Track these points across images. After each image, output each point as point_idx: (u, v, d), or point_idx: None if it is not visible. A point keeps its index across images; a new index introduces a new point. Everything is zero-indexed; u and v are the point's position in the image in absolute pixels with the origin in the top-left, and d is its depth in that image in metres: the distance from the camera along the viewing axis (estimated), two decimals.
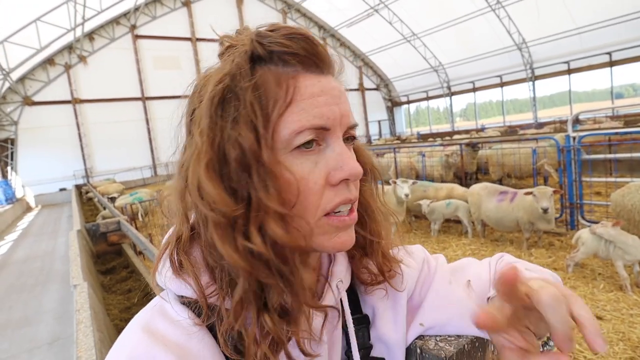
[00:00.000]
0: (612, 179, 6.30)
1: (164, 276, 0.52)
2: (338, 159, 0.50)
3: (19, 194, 18.75)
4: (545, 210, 4.57)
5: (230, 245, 0.46)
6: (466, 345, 0.66)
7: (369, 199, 0.64)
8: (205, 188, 0.46)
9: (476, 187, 5.79)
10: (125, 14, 21.42)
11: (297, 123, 0.48)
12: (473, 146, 9.16)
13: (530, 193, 4.76)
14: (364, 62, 31.10)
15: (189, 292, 0.50)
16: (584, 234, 4.14)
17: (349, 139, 0.55)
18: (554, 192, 4.72)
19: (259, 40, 0.50)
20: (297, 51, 0.50)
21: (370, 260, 0.64)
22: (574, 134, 5.85)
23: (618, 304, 3.62)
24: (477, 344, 0.68)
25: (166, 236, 0.56)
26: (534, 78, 23.65)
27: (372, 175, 0.65)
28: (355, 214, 0.54)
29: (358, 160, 0.58)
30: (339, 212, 0.52)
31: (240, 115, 0.47)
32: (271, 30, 0.51)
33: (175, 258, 0.52)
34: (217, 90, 0.48)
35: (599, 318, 3.42)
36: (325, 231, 0.51)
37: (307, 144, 0.49)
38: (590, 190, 6.54)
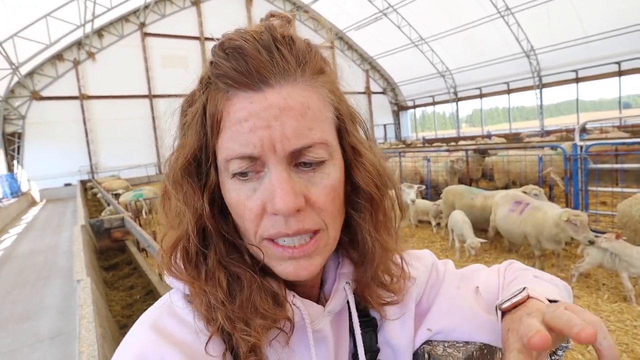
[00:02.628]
0: (619, 189, 6.25)
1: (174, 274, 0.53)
2: (271, 189, 0.45)
3: (24, 188, 18.89)
4: (592, 242, 3.92)
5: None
6: (474, 352, 0.65)
7: (365, 234, 0.56)
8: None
9: (499, 195, 5.46)
10: (134, 12, 21.59)
11: (225, 151, 0.47)
12: (482, 152, 9.11)
13: (568, 221, 4.07)
14: (371, 66, 31.12)
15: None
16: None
17: (311, 164, 0.48)
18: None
19: (211, 57, 0.50)
20: (228, 72, 0.46)
21: (369, 284, 0.61)
22: (581, 143, 5.83)
23: (622, 315, 3.58)
24: (485, 351, 0.67)
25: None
26: (542, 86, 23.56)
27: (372, 202, 0.56)
28: (310, 247, 0.48)
29: (354, 182, 0.54)
30: (284, 241, 0.48)
31: (188, 135, 0.50)
32: (222, 43, 0.49)
33: (176, 255, 0.52)
34: (182, 107, 0.54)
35: None
36: (270, 256, 0.49)
37: (242, 173, 0.47)
38: (596, 200, 6.49)
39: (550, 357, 0.56)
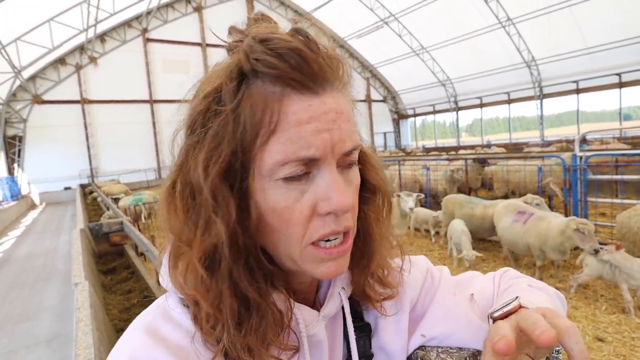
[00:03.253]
0: (618, 200, 6.25)
1: (167, 278, 0.53)
2: (327, 190, 0.46)
3: (24, 191, 18.87)
4: (597, 252, 3.91)
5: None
6: (467, 358, 0.66)
7: (371, 224, 0.59)
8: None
9: (500, 205, 5.43)
10: (137, 17, 21.74)
11: (281, 154, 0.44)
12: (482, 162, 9.12)
13: (576, 229, 4.04)
14: (371, 74, 31.28)
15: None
16: (589, 255, 4.10)
17: (350, 165, 0.51)
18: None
19: (249, 53, 0.46)
20: (287, 71, 0.44)
21: (367, 280, 0.63)
22: (581, 154, 5.84)
23: (620, 326, 3.57)
24: (478, 358, 0.68)
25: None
26: (542, 96, 23.63)
27: (380, 196, 0.60)
28: (347, 245, 0.51)
29: (366, 179, 0.58)
30: (328, 241, 0.49)
31: (221, 137, 0.45)
32: (264, 41, 0.46)
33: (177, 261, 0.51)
34: (202, 106, 0.47)
35: (600, 340, 3.38)
36: (312, 260, 0.49)
37: (294, 177, 0.46)
38: (595, 211, 6.49)
39: None
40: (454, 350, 0.67)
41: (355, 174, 0.52)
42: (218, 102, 0.47)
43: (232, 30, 0.53)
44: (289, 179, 0.46)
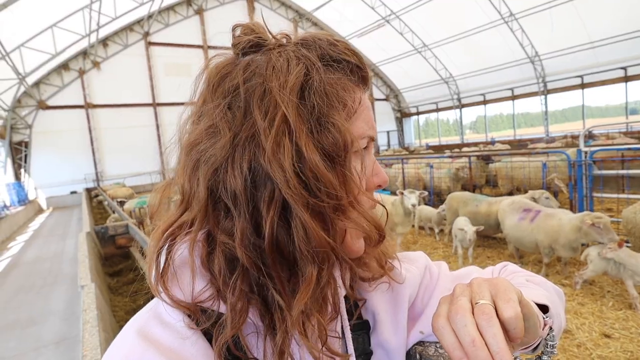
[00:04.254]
0: (624, 196, 6.20)
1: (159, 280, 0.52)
2: (374, 166, 0.57)
3: (31, 196, 19.03)
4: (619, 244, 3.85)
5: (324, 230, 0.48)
6: None
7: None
8: (319, 172, 0.47)
9: (504, 202, 5.39)
10: (139, 21, 21.83)
11: (360, 129, 0.54)
12: (486, 159, 9.07)
13: (592, 225, 4.00)
14: (374, 73, 31.20)
15: (183, 296, 0.50)
16: (592, 251, 4.06)
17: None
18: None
19: (330, 47, 0.55)
20: (360, 66, 0.56)
21: (368, 255, 0.62)
22: (586, 149, 5.79)
23: (627, 322, 3.55)
24: None
25: (153, 237, 0.55)
26: (547, 92, 23.47)
27: None
28: None
29: None
30: None
31: (326, 107, 0.50)
32: (329, 42, 0.56)
33: (171, 261, 0.51)
34: (296, 79, 0.49)
35: (607, 336, 3.36)
36: (352, 235, 0.54)
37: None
38: (601, 207, 6.45)
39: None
40: None
41: None
42: (311, 77, 0.50)
43: (234, 27, 0.58)
44: (356, 153, 0.54)
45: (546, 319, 0.54)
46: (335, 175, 0.48)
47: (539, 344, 0.54)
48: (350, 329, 0.60)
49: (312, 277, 0.47)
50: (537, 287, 0.62)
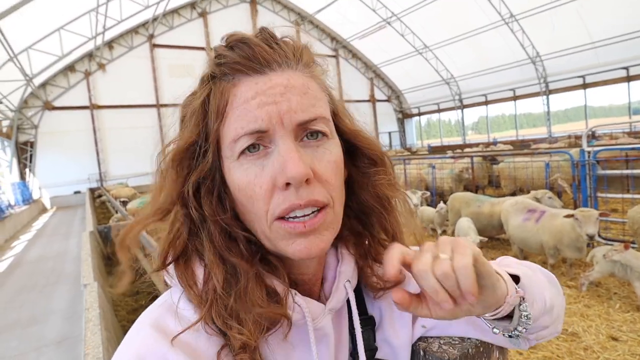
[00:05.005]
0: (629, 196, 6.16)
1: (171, 273, 0.54)
2: (281, 160, 0.48)
3: (35, 196, 19.15)
4: (591, 237, 3.98)
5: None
6: (470, 350, 0.65)
7: (385, 190, 0.61)
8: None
9: (507, 203, 5.34)
10: (144, 24, 21.95)
11: (233, 131, 0.49)
12: (492, 160, 9.04)
13: (571, 216, 4.10)
14: (375, 74, 31.21)
15: (195, 290, 0.51)
16: (598, 252, 4.01)
17: (313, 134, 0.52)
18: (600, 214, 4.09)
19: (214, 55, 0.54)
20: (235, 59, 0.51)
21: (378, 263, 0.63)
22: (589, 149, 5.76)
23: (635, 325, 3.50)
24: (481, 349, 0.67)
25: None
26: (548, 92, 23.39)
27: (384, 163, 0.62)
28: (317, 219, 0.50)
29: (363, 151, 0.60)
30: (294, 217, 0.49)
31: (189, 128, 0.53)
32: (224, 39, 0.54)
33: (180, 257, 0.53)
34: (182, 106, 0.57)
35: (614, 339, 3.31)
36: (281, 236, 0.50)
37: (251, 148, 0.50)
38: (606, 207, 6.40)
39: (511, 332, 0.56)
40: (456, 341, 0.66)
41: (327, 148, 0.53)
42: (192, 100, 0.55)
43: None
44: (247, 156, 0.50)
45: (518, 289, 0.54)
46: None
47: (513, 315, 0.54)
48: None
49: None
50: (518, 265, 0.62)
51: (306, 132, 0.51)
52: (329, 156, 0.52)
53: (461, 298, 0.44)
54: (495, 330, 0.56)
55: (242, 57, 0.51)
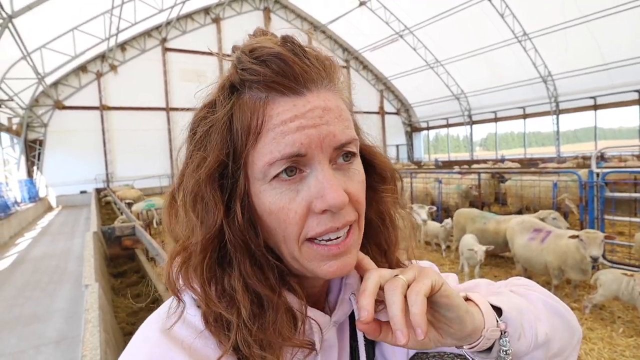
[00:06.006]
0: (637, 219, 6.09)
1: (180, 280, 0.53)
2: (319, 187, 0.47)
3: (42, 194, 19.31)
4: (595, 259, 3.94)
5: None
6: None
7: (390, 208, 0.62)
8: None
9: (513, 222, 5.31)
10: (157, 27, 22.29)
11: (268, 154, 0.46)
12: (500, 178, 9.01)
13: (576, 237, 4.07)
14: (385, 86, 31.36)
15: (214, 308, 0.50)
16: (602, 275, 3.96)
17: (347, 155, 0.51)
18: (606, 237, 4.05)
19: (237, 65, 0.50)
20: (270, 77, 0.47)
21: None
22: (598, 170, 5.72)
23: (638, 350, 3.45)
24: None
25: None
26: (559, 112, 23.32)
27: (394, 180, 0.62)
28: (349, 240, 0.50)
29: (375, 168, 0.60)
30: (328, 239, 0.49)
31: (214, 144, 0.49)
32: (250, 51, 0.49)
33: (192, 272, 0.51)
34: (200, 117, 0.52)
35: None
36: (312, 258, 0.49)
37: (288, 172, 0.47)
38: (612, 230, 6.32)
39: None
40: (449, 358, 0.65)
41: (356, 169, 0.52)
42: (213, 113, 0.50)
43: (233, 48, 0.54)
44: (282, 180, 0.48)
45: (500, 322, 0.52)
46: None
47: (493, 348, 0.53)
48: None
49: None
50: (510, 294, 0.61)
51: (340, 155, 0.50)
52: (358, 176, 0.52)
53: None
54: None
55: (278, 75, 0.47)
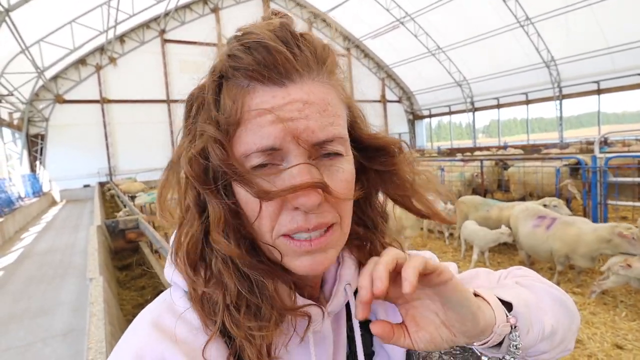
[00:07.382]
0: None
1: (172, 272, 0.53)
2: (292, 183, 0.45)
3: (45, 188, 19.40)
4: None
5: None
6: None
7: (407, 175, 0.65)
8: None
9: (517, 209, 5.25)
10: (155, 19, 22.10)
11: (244, 146, 0.46)
12: (504, 165, 8.99)
13: (625, 236, 3.81)
14: (387, 74, 31.10)
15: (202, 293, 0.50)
16: (616, 265, 3.87)
17: (328, 155, 0.48)
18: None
19: (227, 50, 0.49)
20: (251, 65, 0.46)
21: None
22: (601, 155, 5.69)
23: None
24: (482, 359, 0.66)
25: (174, 232, 0.55)
26: (562, 97, 23.10)
27: (401, 150, 0.64)
28: (325, 239, 0.48)
29: (380, 148, 0.60)
30: (300, 236, 0.48)
31: (203, 129, 0.48)
32: (240, 36, 0.49)
33: (181, 254, 0.51)
34: (191, 100, 0.53)
35: (619, 347, 3.28)
36: (286, 252, 0.49)
37: (261, 165, 0.46)
38: (616, 215, 6.31)
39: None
40: (457, 352, 0.65)
41: (339, 165, 0.50)
42: (204, 96, 0.50)
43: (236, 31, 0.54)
44: (259, 170, 0.46)
45: (509, 317, 0.52)
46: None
47: (503, 343, 0.53)
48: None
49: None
50: (516, 287, 0.60)
51: (321, 153, 0.48)
52: (342, 175, 0.50)
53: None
54: (483, 358, 0.55)
55: (260, 64, 0.46)
